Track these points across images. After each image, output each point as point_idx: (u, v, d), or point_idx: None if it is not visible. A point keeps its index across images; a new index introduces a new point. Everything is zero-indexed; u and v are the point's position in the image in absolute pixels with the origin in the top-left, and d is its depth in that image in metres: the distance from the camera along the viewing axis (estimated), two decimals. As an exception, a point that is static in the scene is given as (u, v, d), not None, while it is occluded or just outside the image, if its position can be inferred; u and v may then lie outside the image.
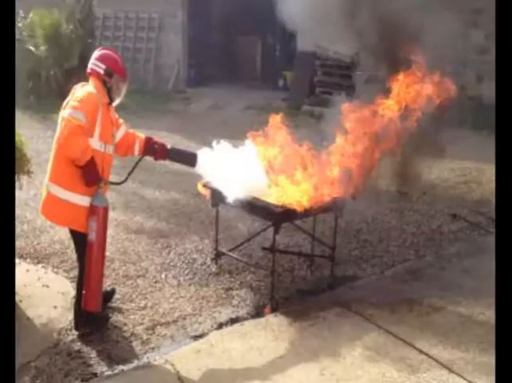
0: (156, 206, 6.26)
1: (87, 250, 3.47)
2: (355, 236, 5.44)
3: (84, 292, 3.48)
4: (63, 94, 12.96)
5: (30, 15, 12.25)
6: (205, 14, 14.60)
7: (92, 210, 3.48)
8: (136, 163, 3.85)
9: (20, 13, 12.35)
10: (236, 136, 9.24)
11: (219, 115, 11.42)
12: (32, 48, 12.16)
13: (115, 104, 3.74)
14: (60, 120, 3.46)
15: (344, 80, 11.25)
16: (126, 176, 3.80)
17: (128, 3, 13.92)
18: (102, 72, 3.60)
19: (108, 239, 5.00)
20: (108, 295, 4.02)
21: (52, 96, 11.63)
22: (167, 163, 6.15)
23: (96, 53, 3.70)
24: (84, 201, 3.51)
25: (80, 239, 3.57)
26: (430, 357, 3.45)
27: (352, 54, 10.65)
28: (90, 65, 3.66)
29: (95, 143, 3.50)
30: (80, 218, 3.49)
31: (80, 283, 3.60)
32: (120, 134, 3.83)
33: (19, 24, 12.33)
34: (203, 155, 4.04)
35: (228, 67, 14.49)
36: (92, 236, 3.45)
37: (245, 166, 4.09)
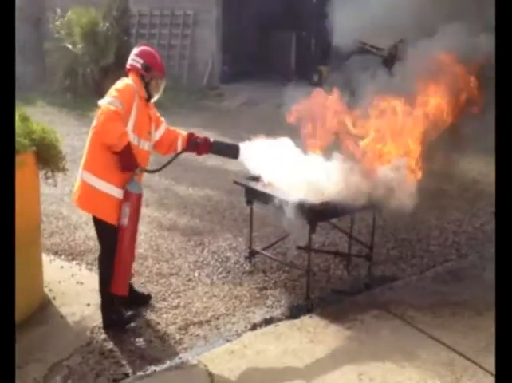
0: (190, 202, 6.22)
1: (119, 235, 3.50)
2: (393, 235, 5.27)
3: (113, 275, 3.52)
4: (99, 91, 13.15)
5: (68, 13, 12.42)
6: (239, 10, 14.52)
7: (126, 196, 3.50)
8: (175, 156, 3.88)
9: (57, 11, 12.56)
10: (270, 132, 9.14)
11: (253, 111, 11.34)
12: (69, 46, 12.33)
13: (153, 100, 3.74)
14: (97, 113, 3.48)
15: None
16: (162, 166, 3.79)
17: (164, 0, 13.97)
18: (140, 66, 3.62)
19: (142, 236, 5.02)
20: (144, 298, 4.00)
21: (88, 94, 11.76)
22: (201, 158, 6.15)
23: (135, 50, 3.74)
24: (114, 191, 3.51)
25: (103, 229, 3.58)
26: (474, 363, 3.28)
27: (390, 47, 10.39)
28: (129, 61, 3.70)
29: (128, 134, 3.50)
30: (108, 207, 3.50)
31: (105, 279, 3.58)
32: (160, 132, 3.84)
33: (57, 22, 12.54)
34: (246, 146, 4.01)
35: (262, 62, 14.39)
36: (125, 221, 3.49)
37: (289, 155, 4.07)
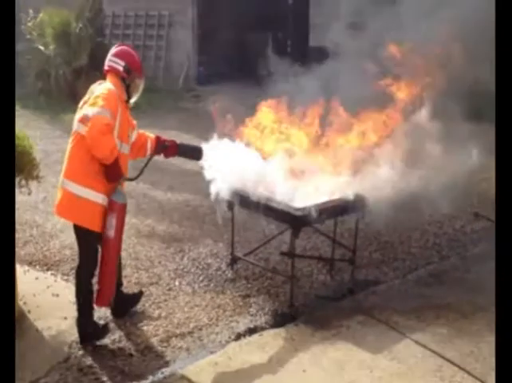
0: (168, 208, 6.10)
1: (103, 246, 3.43)
2: (375, 238, 5.23)
3: (97, 287, 3.47)
4: (72, 94, 12.92)
5: (40, 14, 12.15)
6: (215, 11, 14.41)
7: (111, 206, 3.43)
8: (149, 160, 3.82)
9: (30, 12, 12.27)
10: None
11: (230, 112, 11.24)
12: (41, 47, 12.06)
13: (132, 101, 3.67)
14: (77, 118, 3.40)
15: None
16: (139, 172, 3.73)
17: (138, 1, 13.78)
18: (121, 69, 3.53)
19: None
20: (135, 298, 3.93)
21: (61, 96, 11.52)
22: (178, 161, 6.00)
23: (114, 50, 3.62)
24: (98, 198, 3.42)
25: (85, 239, 3.49)
26: (462, 369, 3.25)
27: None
28: (108, 62, 3.58)
29: (117, 145, 3.44)
30: (91, 215, 3.41)
31: (83, 290, 3.50)
32: (134, 134, 3.77)
33: (29, 23, 12.25)
34: (209, 147, 4.02)
35: (238, 64, 14.31)
36: (111, 233, 3.41)
37: (250, 157, 4.11)
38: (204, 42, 13.86)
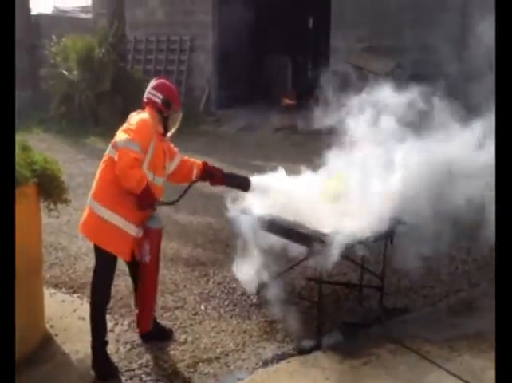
0: (191, 231, 6.08)
1: (142, 273, 3.50)
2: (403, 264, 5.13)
3: (137, 314, 3.54)
4: (95, 118, 13.13)
5: (63, 40, 12.39)
6: (235, 35, 14.59)
7: (146, 232, 3.46)
8: (190, 186, 3.86)
9: (53, 37, 12.54)
10: (269, 157, 9.06)
11: (251, 136, 11.29)
12: (65, 72, 12.27)
13: (169, 134, 3.68)
14: (112, 143, 3.44)
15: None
16: (178, 197, 3.76)
17: (160, 26, 14.01)
18: (159, 102, 3.56)
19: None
20: (165, 333, 3.87)
21: (84, 120, 11.67)
22: (200, 185, 5.97)
23: (153, 83, 3.67)
24: (128, 228, 3.43)
25: (104, 259, 3.47)
26: (499, 401, 3.14)
27: (387, 72, 10.44)
28: (147, 95, 3.63)
29: (146, 175, 3.44)
30: (115, 240, 3.41)
31: (98, 317, 3.49)
32: (174, 164, 3.79)
33: (52, 49, 12.50)
34: (257, 179, 4.02)
35: (259, 87, 14.41)
36: (147, 259, 3.46)
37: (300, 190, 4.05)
38: (225, 66, 14.00)
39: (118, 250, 3.44)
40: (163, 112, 3.57)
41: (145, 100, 3.64)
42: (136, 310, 3.70)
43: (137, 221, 3.46)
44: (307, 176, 4.29)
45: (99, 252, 3.48)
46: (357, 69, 11.18)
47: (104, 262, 3.48)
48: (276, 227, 4.04)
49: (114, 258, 3.48)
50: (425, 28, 10.55)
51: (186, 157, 3.89)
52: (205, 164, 3.90)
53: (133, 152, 3.28)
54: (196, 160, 3.92)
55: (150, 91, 3.62)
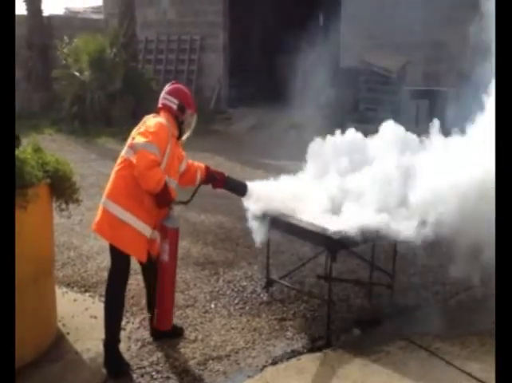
0: (202, 230, 6.11)
1: (161, 272, 3.50)
2: (413, 261, 5.12)
3: (157, 312, 3.54)
4: (106, 118, 13.22)
5: (75, 41, 12.49)
6: (245, 34, 14.60)
7: (163, 231, 3.49)
8: (198, 187, 3.93)
9: (65, 38, 12.64)
10: (280, 155, 9.04)
11: (261, 134, 11.29)
12: (76, 73, 12.37)
13: (184, 137, 3.74)
14: (128, 145, 3.48)
15: (389, 96, 10.98)
16: (189, 198, 3.82)
17: (171, 26, 14.07)
18: (175, 107, 3.59)
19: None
20: (177, 331, 3.89)
21: (96, 121, 11.76)
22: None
23: (168, 88, 3.69)
24: (144, 229, 3.46)
25: (121, 261, 3.50)
26: (510, 399, 3.12)
27: (398, 69, 10.39)
28: (161, 100, 3.65)
29: (164, 175, 3.47)
30: (138, 245, 3.46)
31: (112, 316, 3.50)
32: (183, 166, 3.84)
33: (64, 49, 12.61)
34: (254, 186, 4.07)
35: (269, 85, 14.41)
36: (165, 257, 3.49)
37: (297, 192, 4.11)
38: (235, 65, 14.04)
39: (135, 251, 3.47)
40: (178, 117, 3.60)
41: (160, 105, 3.65)
42: (149, 310, 3.73)
43: (152, 223, 3.49)
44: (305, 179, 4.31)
45: (115, 252, 3.50)
46: (368, 66, 11.16)
47: (120, 263, 3.50)
48: (286, 225, 4.05)
49: (129, 258, 3.51)
50: (437, 24, 10.49)
51: (190, 160, 3.93)
52: (207, 168, 3.97)
53: (152, 154, 3.31)
54: (200, 163, 3.98)
55: (165, 96, 3.63)
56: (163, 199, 3.42)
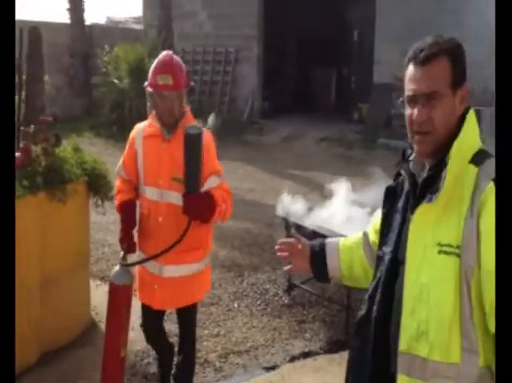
0: (229, 235, 6.32)
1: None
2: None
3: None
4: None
5: (115, 49, 12.97)
6: (280, 46, 14.87)
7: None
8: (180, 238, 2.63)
9: (106, 47, 13.14)
10: (309, 167, 9.22)
11: (293, 146, 11.49)
12: (116, 81, 12.82)
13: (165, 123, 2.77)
14: None
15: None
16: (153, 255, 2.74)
17: (207, 38, 14.45)
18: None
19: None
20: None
21: (133, 127, 12.13)
22: (241, 192, 6.11)
23: None
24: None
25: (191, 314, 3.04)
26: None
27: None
28: None
29: (140, 188, 2.88)
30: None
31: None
32: (209, 185, 2.70)
33: (104, 58, 13.10)
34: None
35: (302, 98, 14.63)
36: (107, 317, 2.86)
37: None
38: (269, 77, 14.31)
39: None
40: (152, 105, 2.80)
41: None
42: None
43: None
44: None
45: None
46: (402, 83, 11.24)
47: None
48: (308, 232, 4.23)
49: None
50: (470, 43, 10.55)
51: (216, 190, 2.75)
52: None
53: (118, 178, 2.98)
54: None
55: None
56: (121, 218, 2.87)
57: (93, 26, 15.69)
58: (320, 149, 11.21)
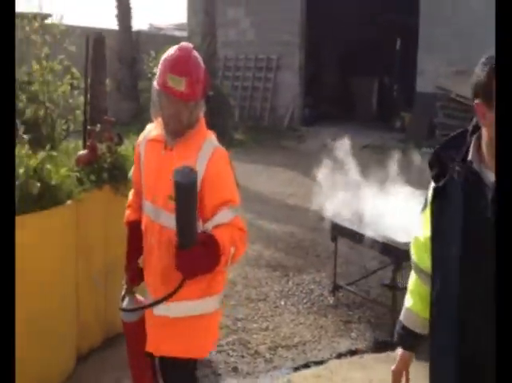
0: (273, 237, 6.44)
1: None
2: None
3: None
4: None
5: (160, 55, 13.29)
6: (322, 55, 14.97)
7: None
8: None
9: (151, 53, 13.50)
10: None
11: (333, 153, 11.53)
12: (160, 86, 13.13)
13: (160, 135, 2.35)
14: None
15: (469, 124, 10.97)
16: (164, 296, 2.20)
17: (249, 45, 14.68)
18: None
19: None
20: None
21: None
22: (283, 197, 6.16)
23: None
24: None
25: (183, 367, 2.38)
26: None
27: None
28: None
29: (143, 205, 2.41)
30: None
31: None
32: (214, 223, 2.19)
33: (150, 63, 13.44)
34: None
35: (343, 106, 14.67)
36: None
37: None
38: (310, 85, 14.43)
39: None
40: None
41: None
42: None
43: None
44: None
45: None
46: (445, 92, 11.21)
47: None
48: (352, 233, 4.31)
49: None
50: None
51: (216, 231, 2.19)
52: None
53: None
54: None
55: None
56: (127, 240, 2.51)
57: (138, 33, 16.11)
58: (362, 157, 11.22)
